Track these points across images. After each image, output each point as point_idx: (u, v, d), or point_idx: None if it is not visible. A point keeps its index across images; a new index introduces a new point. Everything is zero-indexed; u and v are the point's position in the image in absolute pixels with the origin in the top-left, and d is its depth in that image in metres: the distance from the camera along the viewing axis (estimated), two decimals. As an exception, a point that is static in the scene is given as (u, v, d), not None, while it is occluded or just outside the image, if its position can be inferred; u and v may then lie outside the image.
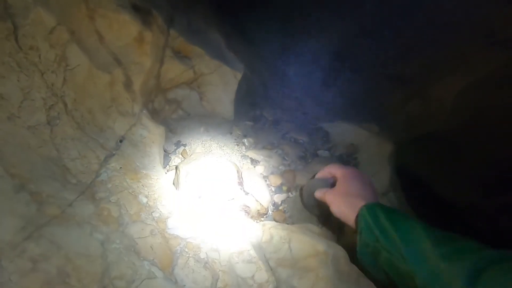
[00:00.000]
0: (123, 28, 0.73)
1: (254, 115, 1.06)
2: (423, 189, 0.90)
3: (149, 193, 0.64)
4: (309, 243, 0.65)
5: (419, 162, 0.93)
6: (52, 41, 0.64)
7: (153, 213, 0.61)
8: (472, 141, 0.88)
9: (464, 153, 0.89)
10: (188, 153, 0.86)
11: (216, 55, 0.94)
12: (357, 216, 0.61)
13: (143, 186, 0.65)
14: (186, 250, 0.58)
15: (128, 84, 0.75)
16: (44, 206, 0.52)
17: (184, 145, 0.88)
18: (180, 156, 0.86)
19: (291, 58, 1.18)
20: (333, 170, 0.73)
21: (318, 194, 0.72)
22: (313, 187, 0.75)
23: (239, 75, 0.96)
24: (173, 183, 0.76)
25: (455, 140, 0.90)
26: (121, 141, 0.71)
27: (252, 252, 0.61)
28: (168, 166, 0.83)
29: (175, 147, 0.87)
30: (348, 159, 0.96)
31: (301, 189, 0.82)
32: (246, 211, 0.77)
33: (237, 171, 0.81)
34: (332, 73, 1.12)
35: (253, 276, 0.59)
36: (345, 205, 0.64)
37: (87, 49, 0.69)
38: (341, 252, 0.65)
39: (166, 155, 0.85)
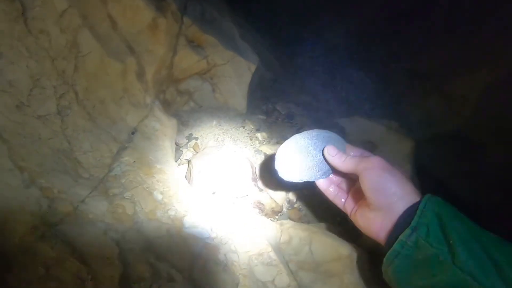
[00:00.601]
0: (137, 14, 0.69)
1: (267, 109, 1.02)
2: (443, 188, 0.87)
3: (164, 189, 0.61)
4: (331, 245, 0.62)
5: (440, 160, 0.90)
6: (63, 25, 0.60)
7: (169, 211, 0.57)
8: (495, 140, 0.84)
9: (487, 152, 0.86)
10: (200, 146, 0.83)
11: (230, 45, 0.90)
12: (413, 205, 0.46)
13: (158, 182, 0.61)
14: (205, 251, 0.54)
15: (140, 74, 0.71)
16: (56, 203, 0.48)
17: (196, 138, 0.85)
18: (192, 149, 0.82)
19: (305, 51, 1.14)
20: (373, 158, 0.53)
21: (334, 151, 0.56)
22: (324, 139, 0.58)
23: (253, 67, 0.92)
24: (185, 178, 0.73)
25: (478, 138, 0.87)
26: (133, 133, 0.67)
27: (272, 254, 0.58)
28: (179, 160, 0.80)
29: (187, 140, 0.84)
30: (365, 156, 0.92)
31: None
32: (260, 209, 0.74)
33: (251, 167, 0.78)
34: (348, 66, 1.08)
35: (273, 280, 0.55)
36: (398, 180, 0.49)
37: (99, 36, 0.65)
38: (364, 256, 0.62)
39: (177, 149, 0.81)
